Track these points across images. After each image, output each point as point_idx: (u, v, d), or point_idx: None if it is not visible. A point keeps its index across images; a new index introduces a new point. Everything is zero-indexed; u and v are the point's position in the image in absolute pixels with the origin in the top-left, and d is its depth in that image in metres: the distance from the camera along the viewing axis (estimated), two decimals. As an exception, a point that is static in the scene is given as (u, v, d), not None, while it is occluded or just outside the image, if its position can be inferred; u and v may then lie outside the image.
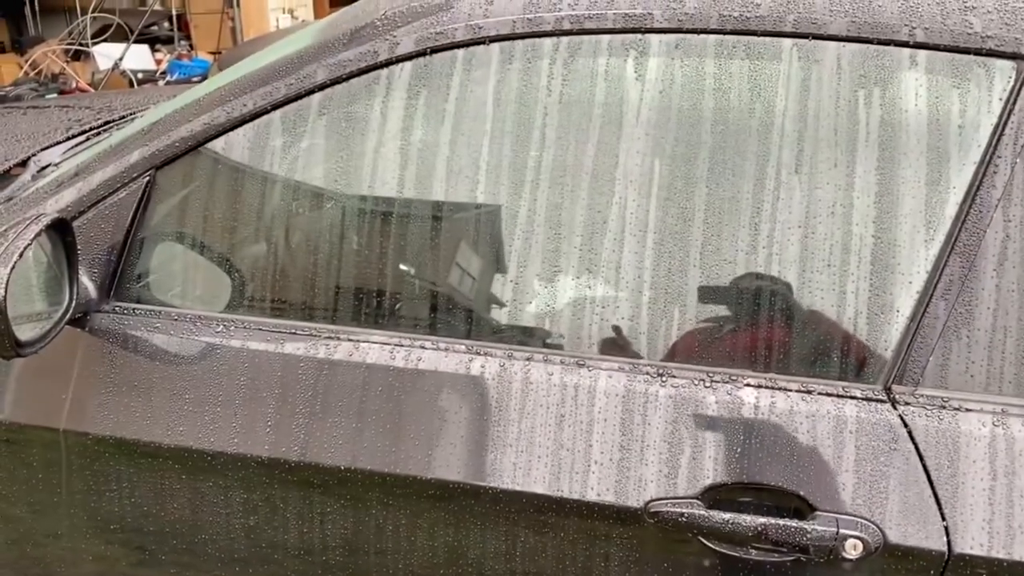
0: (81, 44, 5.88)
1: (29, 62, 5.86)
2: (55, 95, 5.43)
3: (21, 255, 1.07)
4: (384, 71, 1.22)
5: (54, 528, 1.31)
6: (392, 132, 1.22)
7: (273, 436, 1.18)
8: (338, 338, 1.20)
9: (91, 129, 1.95)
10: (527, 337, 1.17)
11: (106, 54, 5.76)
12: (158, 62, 6.06)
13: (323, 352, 1.19)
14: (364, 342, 1.19)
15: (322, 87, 1.23)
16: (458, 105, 1.20)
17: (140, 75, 5.81)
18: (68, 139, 1.89)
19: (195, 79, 6.08)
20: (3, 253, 1.07)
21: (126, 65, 5.74)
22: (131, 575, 1.31)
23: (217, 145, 1.26)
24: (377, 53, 1.22)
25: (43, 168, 1.71)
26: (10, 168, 1.75)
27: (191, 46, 6.50)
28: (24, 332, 1.12)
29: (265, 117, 1.25)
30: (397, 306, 1.22)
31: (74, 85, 5.66)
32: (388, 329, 1.21)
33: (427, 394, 1.15)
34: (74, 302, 1.21)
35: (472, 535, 1.14)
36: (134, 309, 1.27)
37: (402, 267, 1.22)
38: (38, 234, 1.11)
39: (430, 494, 1.14)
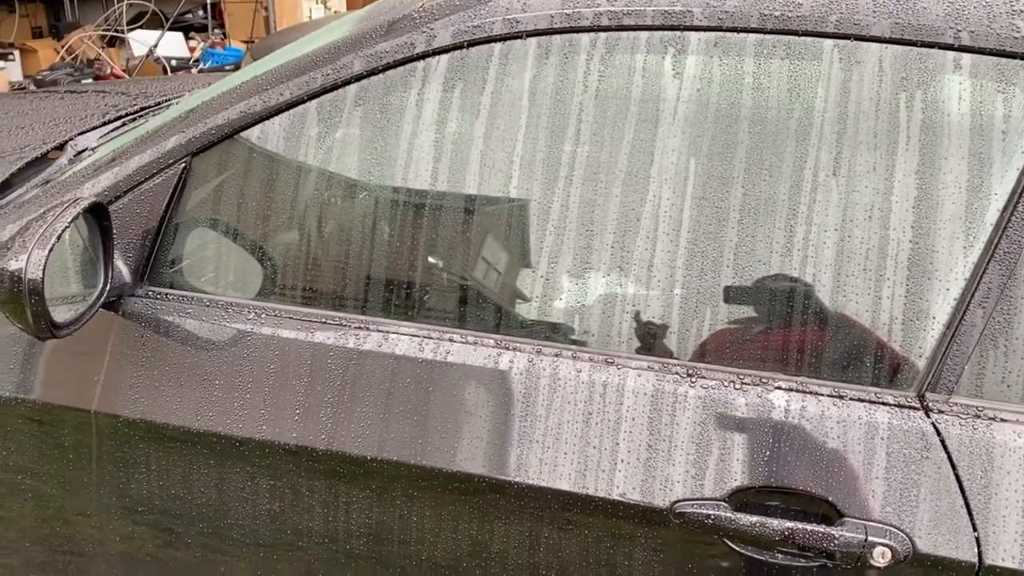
0: (117, 30, 5.95)
1: (66, 47, 5.93)
2: (91, 80, 5.50)
3: (59, 238, 1.08)
4: (420, 63, 1.22)
5: (84, 507, 1.33)
6: (427, 124, 1.22)
7: (301, 424, 1.19)
8: (368, 329, 1.21)
9: (127, 115, 1.97)
10: (556, 333, 1.17)
11: (141, 41, 5.83)
12: (192, 50, 6.12)
13: (352, 342, 1.20)
14: (393, 333, 1.20)
15: (358, 78, 1.24)
16: (494, 99, 1.20)
17: (174, 62, 5.86)
18: (104, 124, 1.91)
19: (228, 67, 6.13)
20: (42, 235, 1.09)
21: (160, 52, 5.80)
22: (157, 556, 1.32)
23: (253, 133, 1.27)
24: (414, 45, 1.22)
25: (80, 152, 1.73)
26: (47, 152, 1.77)
27: (224, 35, 6.55)
28: (60, 314, 1.14)
29: (301, 107, 1.26)
30: (427, 298, 1.22)
31: (109, 71, 5.72)
32: (417, 321, 1.21)
33: (455, 387, 1.15)
34: (109, 286, 1.23)
35: (496, 529, 1.14)
36: (167, 294, 1.29)
37: (433, 260, 1.22)
38: (76, 217, 1.12)
39: (455, 487, 1.14)
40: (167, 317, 1.27)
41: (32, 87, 5.45)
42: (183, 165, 1.28)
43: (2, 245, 1.35)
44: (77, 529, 1.35)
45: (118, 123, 1.90)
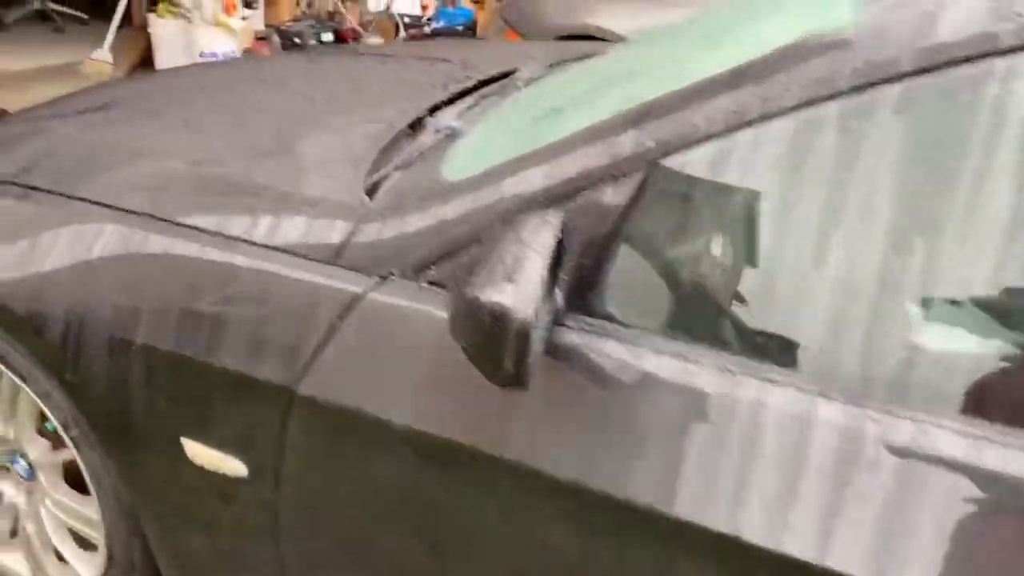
0: (355, -16, 5.96)
1: (307, 0, 5.98)
2: (330, 34, 5.51)
3: (550, 271, 0.85)
4: (1002, 61, 0.90)
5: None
6: (999, 141, 0.90)
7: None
8: (896, 417, 0.91)
9: (473, 88, 1.77)
10: None
11: (378, -5, 5.80)
12: (424, 8, 6.03)
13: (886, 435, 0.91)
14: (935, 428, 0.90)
15: (901, 77, 0.93)
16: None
17: (407, 19, 5.79)
18: (453, 98, 1.70)
19: (458, 27, 6.02)
20: (523, 263, 0.86)
21: (395, 9, 5.73)
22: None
23: (739, 139, 1.00)
24: (997, 37, 0.90)
25: (441, 131, 1.53)
26: (402, 129, 1.58)
27: (455, -8, 6.44)
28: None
29: (810, 109, 0.97)
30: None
31: (347, 25, 5.72)
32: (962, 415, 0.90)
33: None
34: (555, 314, 1.00)
35: None
36: (605, 327, 1.04)
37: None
38: (558, 243, 0.88)
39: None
40: (602, 357, 1.02)
41: (275, 38, 5.51)
42: (641, 174, 1.03)
43: (407, 236, 1.16)
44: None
45: (470, 99, 1.69)
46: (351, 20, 5.79)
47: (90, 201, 1.41)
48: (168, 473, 1.37)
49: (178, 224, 1.32)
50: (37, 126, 1.74)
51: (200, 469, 1.32)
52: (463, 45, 2.59)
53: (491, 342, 0.85)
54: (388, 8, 5.72)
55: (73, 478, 1.57)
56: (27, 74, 5.20)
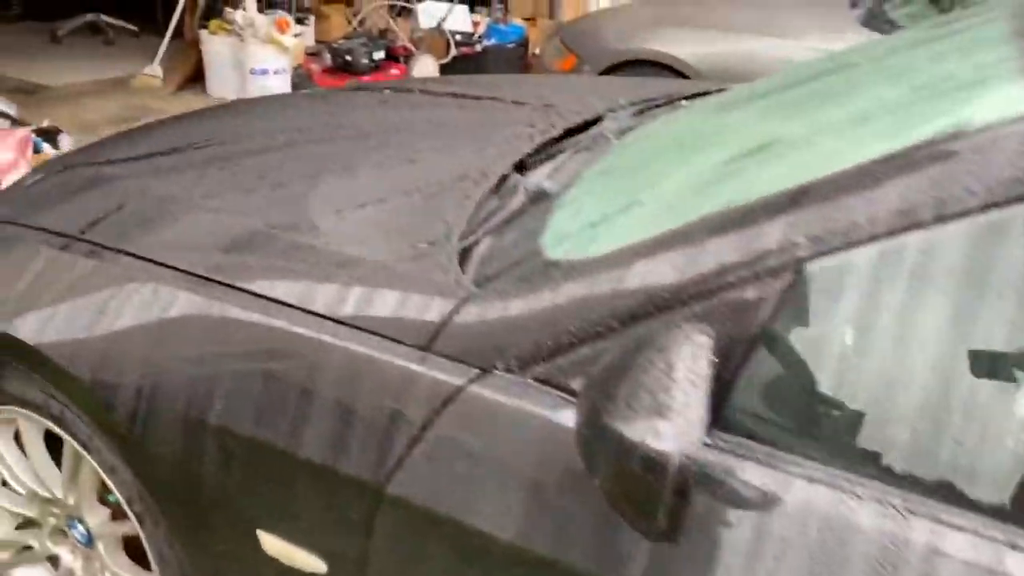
0: (406, 0, 5.87)
1: (359, 17, 5.92)
2: (382, 52, 5.44)
3: (712, 411, 0.73)
4: None
5: None
6: None
7: None
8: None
9: (557, 139, 1.66)
10: None
11: (429, 12, 5.70)
12: (475, 24, 5.93)
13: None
14: None
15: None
16: None
17: (458, 37, 5.70)
18: (537, 151, 1.59)
19: (509, 45, 5.93)
20: (674, 396, 0.74)
21: (447, 26, 5.64)
22: None
23: (908, 242, 0.87)
24: None
25: (528, 190, 1.41)
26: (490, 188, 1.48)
27: (506, 9, 6.33)
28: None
29: (997, 212, 0.84)
30: None
31: (399, 43, 5.64)
32: None
33: None
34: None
35: None
36: (745, 446, 0.92)
37: None
38: (713, 367, 0.77)
39: None
40: (741, 483, 0.89)
41: (327, 55, 5.46)
42: (789, 274, 0.91)
43: (511, 323, 1.05)
44: None
45: (561, 156, 1.58)
46: (403, 37, 5.72)
47: (161, 264, 1.32)
48: (239, 561, 1.28)
49: (257, 295, 1.23)
50: (102, 173, 1.66)
51: (274, 560, 1.22)
52: (536, 83, 2.49)
53: (639, 487, 0.74)
54: (440, 25, 5.63)
55: (134, 550, 1.48)
56: (79, 88, 5.22)
